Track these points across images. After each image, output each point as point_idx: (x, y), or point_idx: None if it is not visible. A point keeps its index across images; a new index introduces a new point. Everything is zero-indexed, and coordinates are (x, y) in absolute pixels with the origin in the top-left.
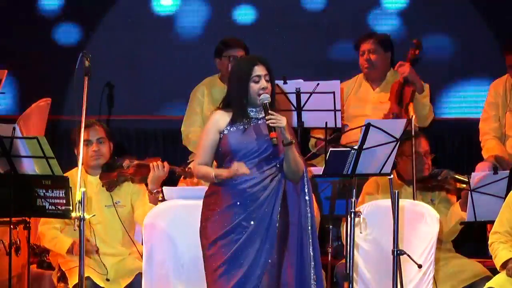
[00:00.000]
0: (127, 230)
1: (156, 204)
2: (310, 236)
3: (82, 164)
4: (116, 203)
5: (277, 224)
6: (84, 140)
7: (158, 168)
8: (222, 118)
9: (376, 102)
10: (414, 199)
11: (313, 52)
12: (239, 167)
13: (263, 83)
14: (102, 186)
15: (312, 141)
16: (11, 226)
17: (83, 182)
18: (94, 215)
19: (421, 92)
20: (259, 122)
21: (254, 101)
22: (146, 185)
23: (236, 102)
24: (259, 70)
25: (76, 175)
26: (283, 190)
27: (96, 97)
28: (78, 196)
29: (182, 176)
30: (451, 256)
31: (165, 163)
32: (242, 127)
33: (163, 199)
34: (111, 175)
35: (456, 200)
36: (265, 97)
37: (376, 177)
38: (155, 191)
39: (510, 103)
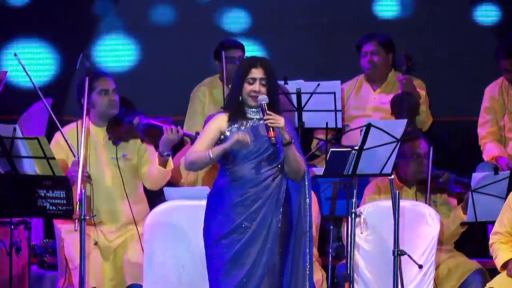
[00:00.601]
0: (129, 184)
1: (165, 166)
2: (308, 236)
3: (88, 115)
4: (123, 155)
5: (279, 224)
6: (101, 90)
7: (172, 132)
8: (223, 120)
9: (377, 103)
10: (426, 202)
11: (315, 52)
12: (242, 136)
13: (256, 86)
14: (109, 139)
15: (315, 143)
16: (12, 227)
17: (89, 134)
18: (95, 215)
19: (419, 99)
20: (258, 122)
21: (247, 101)
22: (155, 146)
23: (233, 101)
24: (256, 72)
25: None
26: (284, 190)
27: None
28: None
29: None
30: (451, 256)
31: (179, 128)
32: (242, 128)
33: (164, 200)
34: (119, 130)
35: (457, 203)
36: (263, 98)
37: (377, 181)
38: (165, 153)
39: (509, 106)
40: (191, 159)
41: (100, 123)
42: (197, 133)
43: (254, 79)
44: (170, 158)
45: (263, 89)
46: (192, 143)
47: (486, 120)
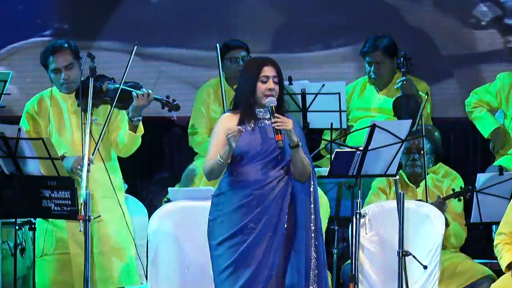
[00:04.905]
0: (102, 150)
1: (135, 132)
2: (313, 237)
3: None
4: (93, 120)
5: (285, 225)
6: (53, 69)
7: (142, 98)
8: (230, 120)
9: (381, 104)
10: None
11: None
12: (230, 131)
13: (270, 84)
14: (78, 105)
15: (323, 144)
16: (16, 227)
17: (59, 103)
18: (99, 215)
19: (420, 101)
20: (266, 123)
21: (260, 101)
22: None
23: (243, 102)
24: (268, 70)
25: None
26: (290, 191)
27: None
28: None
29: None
30: (455, 256)
31: (150, 92)
32: (250, 128)
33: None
34: (88, 97)
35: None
36: (271, 100)
37: None
38: (135, 119)
39: None
40: (207, 170)
41: (66, 91)
42: (168, 97)
43: (267, 77)
44: (141, 123)
45: (277, 87)
46: (163, 106)
47: (482, 100)
